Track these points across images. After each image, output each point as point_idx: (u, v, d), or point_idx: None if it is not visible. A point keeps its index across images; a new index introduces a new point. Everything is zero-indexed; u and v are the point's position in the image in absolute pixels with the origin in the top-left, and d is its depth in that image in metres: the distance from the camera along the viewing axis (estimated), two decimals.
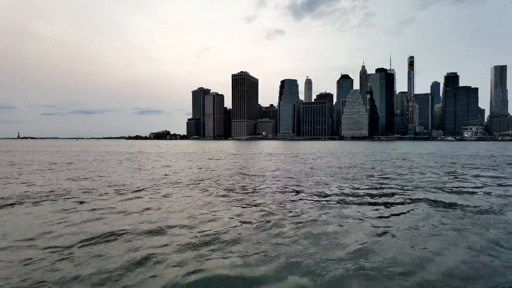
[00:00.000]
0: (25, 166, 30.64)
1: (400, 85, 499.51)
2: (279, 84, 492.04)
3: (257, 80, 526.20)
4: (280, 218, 10.62)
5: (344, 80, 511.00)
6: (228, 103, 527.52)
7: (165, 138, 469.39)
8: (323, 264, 6.82)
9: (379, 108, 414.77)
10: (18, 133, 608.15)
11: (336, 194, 15.16)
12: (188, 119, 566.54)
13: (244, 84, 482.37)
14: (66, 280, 6.07)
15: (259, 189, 16.91)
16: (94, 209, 11.83)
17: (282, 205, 12.65)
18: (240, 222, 10.20)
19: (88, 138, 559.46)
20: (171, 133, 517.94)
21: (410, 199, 14.03)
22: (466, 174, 24.01)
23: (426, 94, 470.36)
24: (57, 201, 13.37)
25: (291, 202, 13.28)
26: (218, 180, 20.30)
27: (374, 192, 15.94)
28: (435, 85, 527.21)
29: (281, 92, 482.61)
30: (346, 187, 17.50)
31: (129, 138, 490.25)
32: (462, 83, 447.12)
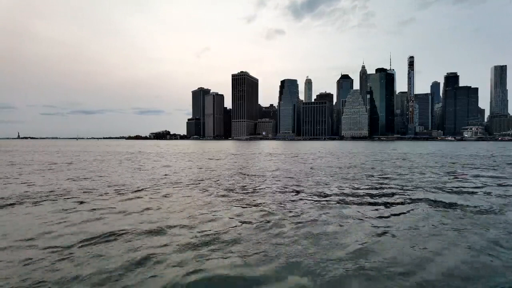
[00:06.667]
0: (25, 166, 30.63)
1: (400, 85, 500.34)
2: (279, 84, 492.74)
3: (257, 80, 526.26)
4: (280, 218, 10.62)
5: (344, 80, 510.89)
6: (228, 103, 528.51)
7: (165, 138, 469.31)
8: (323, 264, 6.82)
9: (379, 108, 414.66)
10: (18, 133, 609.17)
11: (336, 194, 15.16)
12: (188, 119, 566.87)
13: (244, 84, 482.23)
14: (66, 280, 6.06)
15: (259, 189, 16.91)
16: (94, 209, 11.82)
17: (282, 205, 12.65)
18: (240, 222, 10.20)
19: (88, 138, 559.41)
20: (171, 133, 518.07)
21: (410, 199, 14.03)
22: (466, 174, 24.01)
23: (426, 94, 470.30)
24: (57, 201, 13.37)
25: (291, 202, 13.28)
26: (218, 180, 20.30)
27: (374, 192, 15.94)
28: (435, 85, 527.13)
29: (281, 92, 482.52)
30: (346, 187, 17.50)
31: (129, 138, 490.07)
32: (462, 83, 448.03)
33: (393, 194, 15.26)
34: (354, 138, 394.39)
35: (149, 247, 7.80)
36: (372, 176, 22.79)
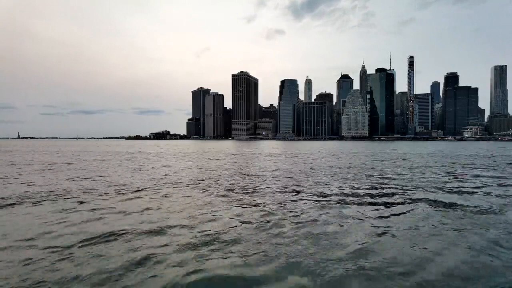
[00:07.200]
0: (25, 166, 30.63)
1: (400, 85, 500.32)
2: (279, 84, 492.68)
3: (257, 80, 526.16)
4: (280, 218, 10.62)
5: (344, 80, 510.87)
6: (228, 103, 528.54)
7: (165, 138, 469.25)
8: (323, 264, 6.82)
9: (379, 108, 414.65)
10: (18, 133, 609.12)
11: (336, 194, 15.16)
12: (188, 119, 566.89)
13: (244, 84, 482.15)
14: (66, 280, 6.07)
15: (259, 189, 16.91)
16: (94, 209, 11.83)
17: (282, 205, 12.65)
18: (240, 222, 10.20)
19: (88, 138, 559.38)
20: (171, 133, 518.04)
21: (410, 199, 14.03)
22: (466, 174, 24.00)
23: (426, 94, 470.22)
24: (57, 201, 13.37)
25: (291, 202, 13.28)
26: (218, 180, 20.30)
27: (374, 192, 15.94)
28: (435, 85, 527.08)
29: (281, 92, 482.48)
30: (346, 187, 17.50)
31: (129, 138, 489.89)
32: (462, 83, 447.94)
33: (393, 194, 15.26)
34: (354, 138, 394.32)
35: (149, 247, 7.80)
36: (372, 176, 22.79)
